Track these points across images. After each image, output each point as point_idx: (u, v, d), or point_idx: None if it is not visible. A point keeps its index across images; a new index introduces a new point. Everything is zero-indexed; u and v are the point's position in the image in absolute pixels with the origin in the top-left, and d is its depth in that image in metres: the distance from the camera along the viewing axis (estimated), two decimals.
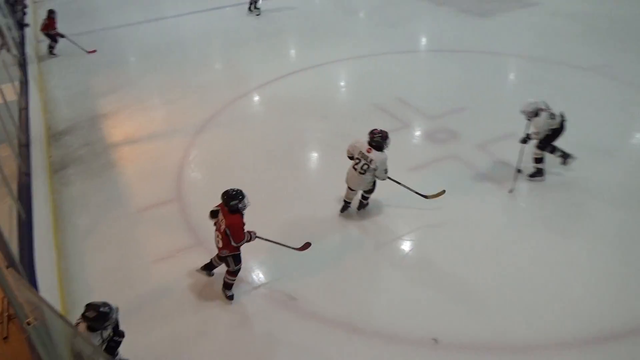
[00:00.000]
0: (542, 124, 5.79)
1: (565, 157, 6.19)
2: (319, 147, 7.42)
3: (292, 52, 11.42)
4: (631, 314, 4.35)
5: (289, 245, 4.94)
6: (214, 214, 4.63)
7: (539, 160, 6.11)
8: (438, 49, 10.67)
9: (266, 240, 4.77)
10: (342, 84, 9.55)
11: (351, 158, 5.45)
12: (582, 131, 6.83)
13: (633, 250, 5.04)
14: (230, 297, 4.78)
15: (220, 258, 4.76)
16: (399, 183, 5.65)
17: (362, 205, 5.82)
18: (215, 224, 4.61)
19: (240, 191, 4.41)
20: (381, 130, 5.33)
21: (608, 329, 4.24)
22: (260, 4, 13.49)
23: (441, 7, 13.17)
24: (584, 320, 4.33)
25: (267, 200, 5.85)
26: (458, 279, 4.84)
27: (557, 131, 5.92)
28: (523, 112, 5.83)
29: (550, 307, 4.49)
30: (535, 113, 5.79)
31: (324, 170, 6.86)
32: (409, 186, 5.67)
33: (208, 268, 5.02)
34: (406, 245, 5.37)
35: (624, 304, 4.47)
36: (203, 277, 5.02)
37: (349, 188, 5.60)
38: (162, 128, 8.07)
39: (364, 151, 5.29)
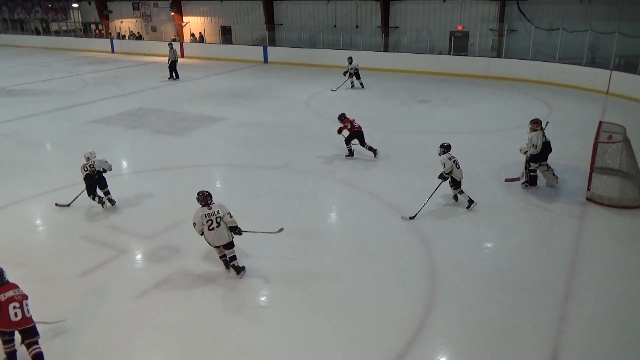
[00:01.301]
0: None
1: None
2: None
3: None
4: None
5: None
6: None
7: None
8: (140, 170, 10.69)
9: None
10: (39, 222, 8.48)
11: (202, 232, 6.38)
12: (287, 220, 7.73)
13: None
14: None
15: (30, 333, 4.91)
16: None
17: (238, 270, 6.47)
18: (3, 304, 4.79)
19: None
20: (201, 191, 6.47)
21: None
22: None
23: (135, 130, 13.42)
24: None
25: None
26: None
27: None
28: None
29: None
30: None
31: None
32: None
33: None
34: None
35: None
36: None
37: (218, 247, 6.50)
38: None
39: (208, 212, 6.30)
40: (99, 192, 8.60)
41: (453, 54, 21.99)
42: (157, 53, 28.11)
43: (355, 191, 9.21)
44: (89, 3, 34.11)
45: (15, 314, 4.79)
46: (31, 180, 9.97)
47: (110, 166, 8.87)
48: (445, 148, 8.31)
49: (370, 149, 10.74)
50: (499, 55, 21.23)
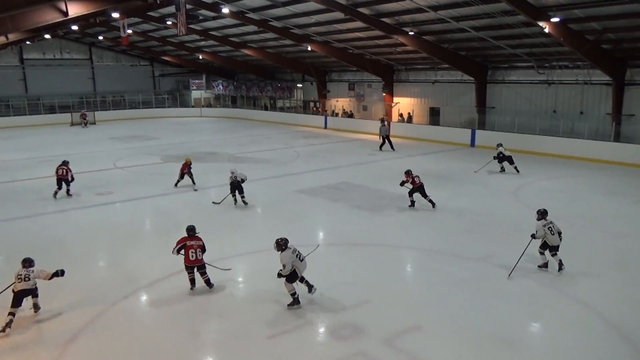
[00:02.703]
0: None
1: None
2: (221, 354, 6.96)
3: None
4: None
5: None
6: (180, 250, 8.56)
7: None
8: (336, 242, 11.28)
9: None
10: (241, 279, 9.48)
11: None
12: (480, 319, 7.18)
13: None
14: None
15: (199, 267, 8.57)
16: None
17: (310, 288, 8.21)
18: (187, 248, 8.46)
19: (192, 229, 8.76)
20: (280, 238, 8.12)
21: None
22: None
23: (335, 203, 14.33)
24: None
25: None
26: None
27: None
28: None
29: None
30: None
31: None
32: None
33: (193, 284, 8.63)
34: None
35: None
36: None
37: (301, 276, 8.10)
38: (24, 337, 7.17)
39: (292, 250, 7.95)
40: (237, 196, 13.90)
41: None
42: (365, 131, 30.13)
43: (564, 298, 8.20)
44: (311, 84, 38.73)
45: (192, 256, 8.40)
46: (241, 239, 11.30)
47: (246, 177, 14.03)
48: (542, 214, 9.09)
49: (430, 201, 13.38)
50: None
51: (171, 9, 23.21)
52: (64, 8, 11.02)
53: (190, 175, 16.08)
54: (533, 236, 9.11)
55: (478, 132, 25.40)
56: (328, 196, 15.14)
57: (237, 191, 13.85)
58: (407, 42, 24.63)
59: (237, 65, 42.44)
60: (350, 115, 34.89)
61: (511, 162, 17.89)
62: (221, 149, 24.48)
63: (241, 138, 28.91)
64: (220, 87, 46.86)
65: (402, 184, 13.58)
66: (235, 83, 46.17)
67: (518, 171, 17.89)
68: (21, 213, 13.38)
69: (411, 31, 23.62)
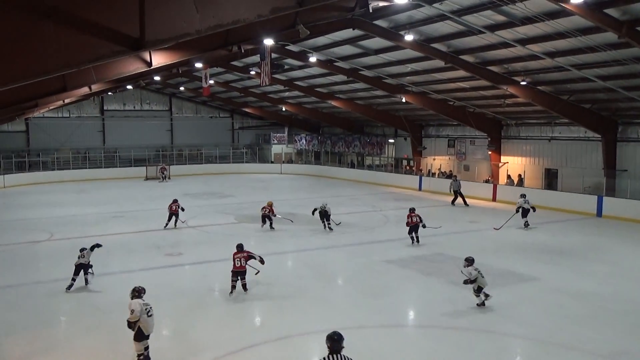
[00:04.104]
0: None
1: None
2: None
3: (257, 319, 11.50)
4: None
5: None
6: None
7: None
8: (428, 325, 10.90)
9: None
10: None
11: None
12: None
13: None
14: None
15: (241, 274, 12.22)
16: None
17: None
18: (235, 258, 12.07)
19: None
20: (138, 286, 9.03)
21: None
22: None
23: (429, 278, 13.97)
24: None
25: None
26: None
27: None
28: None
29: None
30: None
31: None
32: None
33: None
34: None
35: None
36: None
37: (147, 338, 8.70)
38: None
39: (144, 302, 8.68)
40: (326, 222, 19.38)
41: None
42: (466, 194, 29.48)
43: None
44: (405, 139, 38.97)
45: (237, 263, 12.04)
46: (319, 314, 11.24)
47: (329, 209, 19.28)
48: (470, 262, 11.57)
49: (413, 237, 17.19)
50: None
51: (255, 58, 24.59)
52: (148, 58, 12.03)
53: (274, 215, 19.79)
54: (467, 282, 11.44)
55: (606, 200, 24.05)
56: (420, 269, 14.81)
57: (325, 219, 19.23)
58: (518, 93, 24.30)
59: (322, 118, 43.82)
60: (449, 176, 34.45)
61: (525, 214, 20.34)
62: (300, 210, 24.93)
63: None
64: (303, 141, 48.36)
65: (408, 224, 17.14)
66: (319, 137, 47.47)
67: (527, 225, 20.35)
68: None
69: (523, 81, 23.33)
